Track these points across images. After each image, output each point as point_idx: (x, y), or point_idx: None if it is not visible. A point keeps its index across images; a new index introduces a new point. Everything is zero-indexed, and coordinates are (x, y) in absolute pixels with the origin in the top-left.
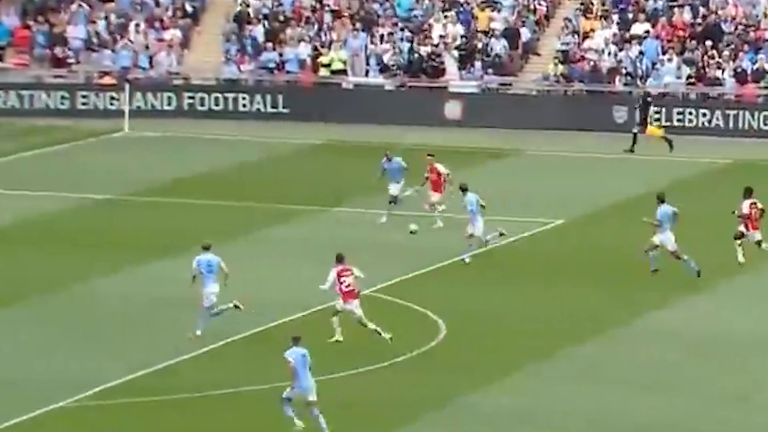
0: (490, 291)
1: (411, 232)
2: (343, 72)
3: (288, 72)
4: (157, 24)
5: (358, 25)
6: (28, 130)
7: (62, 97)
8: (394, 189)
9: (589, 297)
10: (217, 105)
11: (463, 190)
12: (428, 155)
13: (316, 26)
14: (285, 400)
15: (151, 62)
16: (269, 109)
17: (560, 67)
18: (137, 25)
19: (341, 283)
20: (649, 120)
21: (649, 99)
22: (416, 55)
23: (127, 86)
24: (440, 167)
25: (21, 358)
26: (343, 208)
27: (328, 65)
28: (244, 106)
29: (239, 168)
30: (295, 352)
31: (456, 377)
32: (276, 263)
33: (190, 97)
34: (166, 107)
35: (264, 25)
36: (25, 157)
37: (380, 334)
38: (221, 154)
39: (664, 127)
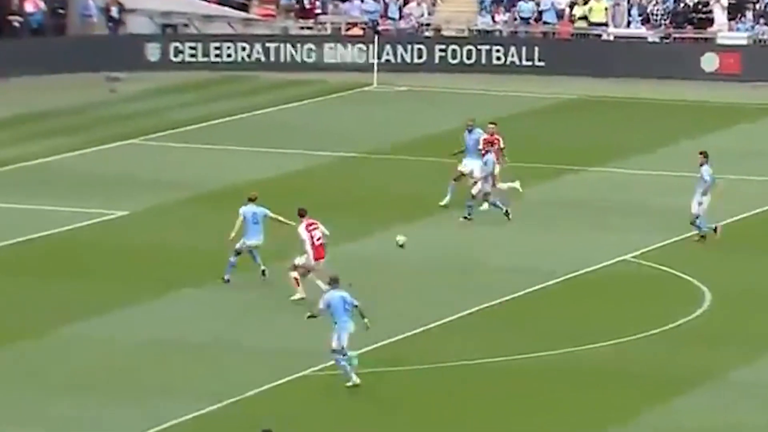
0: (756, 260)
1: (399, 245)
2: (603, 23)
3: (545, 23)
4: None
5: None
6: (273, 84)
7: (309, 50)
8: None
9: None
10: (469, 58)
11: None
12: (490, 123)
13: None
14: (336, 350)
15: (401, 13)
16: (524, 62)
17: None
18: None
19: (312, 237)
20: None
21: None
22: (681, 5)
23: (375, 38)
24: (499, 137)
25: (267, 326)
26: (598, 168)
27: (584, 17)
28: (498, 59)
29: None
30: (332, 295)
31: (721, 349)
32: (527, 227)
33: (441, 50)
34: (416, 60)
35: None
36: (271, 113)
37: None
38: (472, 110)
39: None
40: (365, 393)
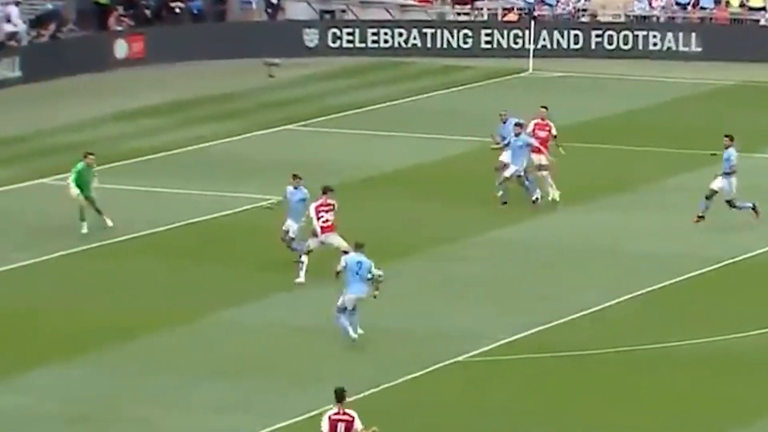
0: None
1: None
2: (761, 8)
3: (702, 8)
4: None
5: None
6: (429, 70)
7: (465, 36)
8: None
9: None
10: (626, 44)
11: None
12: (542, 107)
13: None
14: (338, 308)
15: None
16: (681, 48)
17: None
18: None
19: (319, 219)
20: None
21: None
22: None
23: (531, 24)
24: (552, 123)
25: (421, 311)
26: (760, 154)
27: (741, 3)
28: (654, 44)
29: (646, 110)
30: (350, 257)
31: None
32: (687, 213)
33: (597, 36)
34: (572, 46)
35: None
36: (426, 99)
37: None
38: (628, 96)
39: None
40: (517, 380)
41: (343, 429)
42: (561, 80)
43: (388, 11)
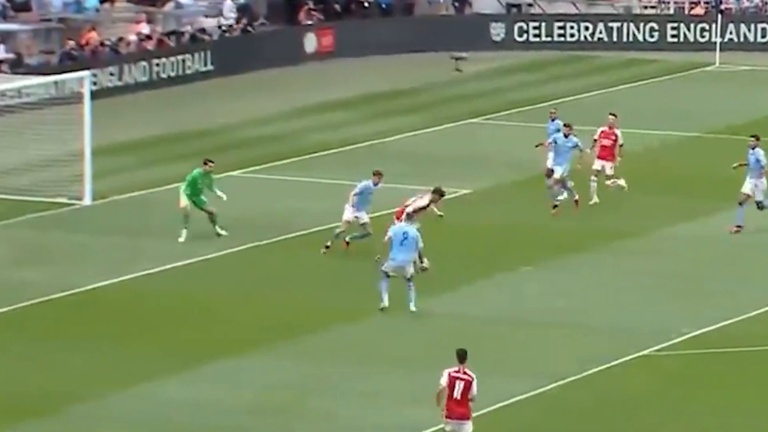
0: None
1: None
2: None
3: None
4: None
5: None
6: (614, 63)
7: (651, 29)
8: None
9: None
10: None
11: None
12: (611, 114)
13: None
14: (381, 273)
15: None
16: None
17: None
18: None
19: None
20: None
21: None
22: None
23: (718, 17)
24: (619, 132)
25: (610, 305)
26: None
27: None
28: None
29: None
30: (396, 227)
31: None
32: None
33: None
34: (759, 39)
35: None
36: (611, 93)
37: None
38: None
39: None
40: (703, 374)
41: (462, 387)
42: (748, 74)
43: (574, 5)
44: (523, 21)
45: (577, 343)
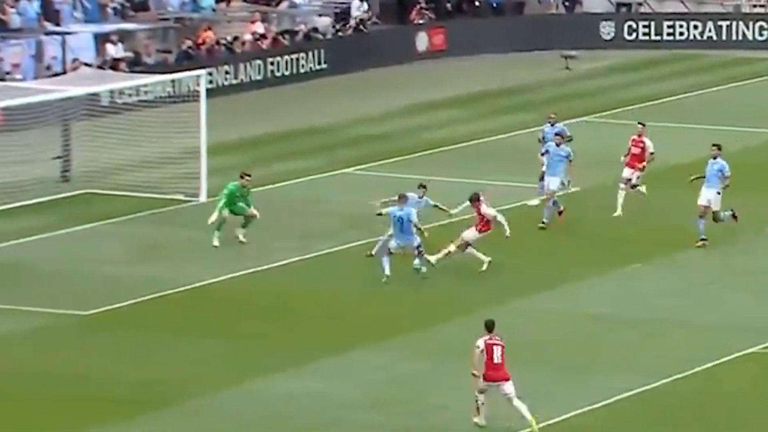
0: None
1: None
2: None
3: None
4: None
5: None
6: (723, 62)
7: (761, 28)
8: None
9: None
10: None
11: None
12: (639, 123)
13: None
14: (384, 249)
15: None
16: None
17: None
18: None
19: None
20: None
21: None
22: None
23: None
24: (648, 141)
25: (714, 303)
26: None
27: None
28: None
29: None
30: (393, 210)
31: None
32: None
33: None
34: None
35: None
36: (721, 91)
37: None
38: None
39: None
40: None
41: (500, 352)
42: None
43: (683, 4)
44: (632, 20)
45: (683, 341)
